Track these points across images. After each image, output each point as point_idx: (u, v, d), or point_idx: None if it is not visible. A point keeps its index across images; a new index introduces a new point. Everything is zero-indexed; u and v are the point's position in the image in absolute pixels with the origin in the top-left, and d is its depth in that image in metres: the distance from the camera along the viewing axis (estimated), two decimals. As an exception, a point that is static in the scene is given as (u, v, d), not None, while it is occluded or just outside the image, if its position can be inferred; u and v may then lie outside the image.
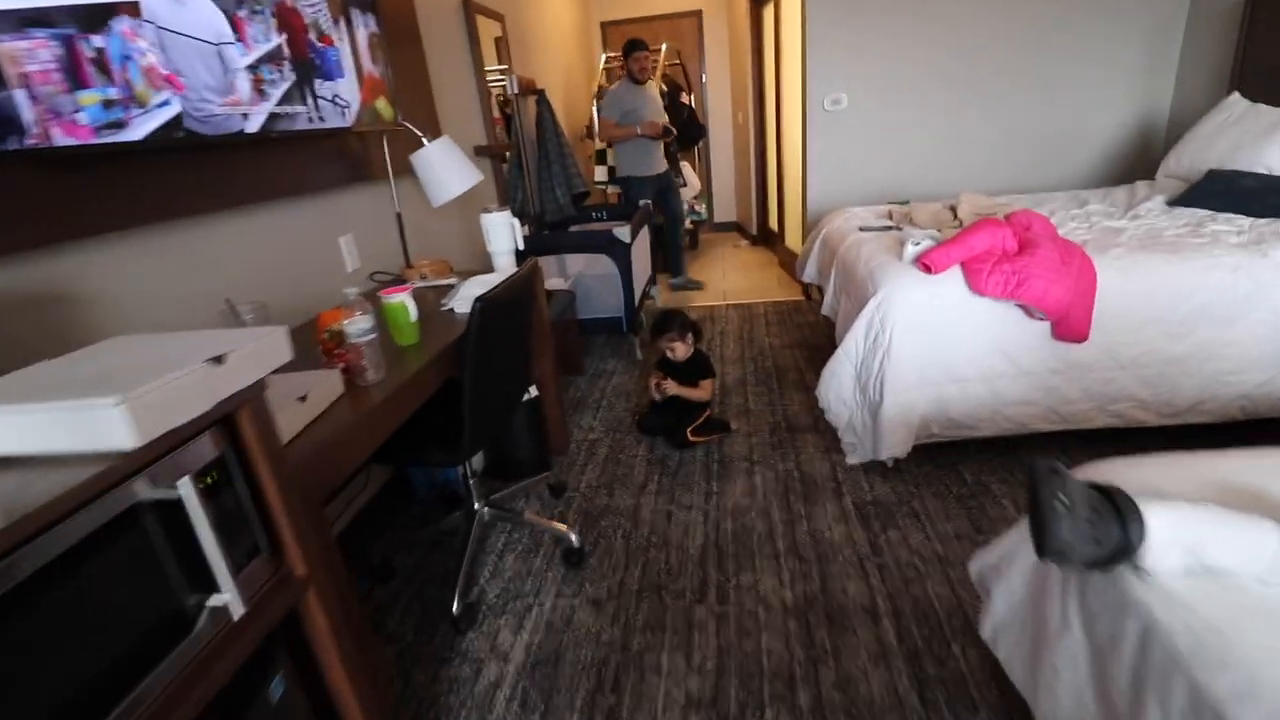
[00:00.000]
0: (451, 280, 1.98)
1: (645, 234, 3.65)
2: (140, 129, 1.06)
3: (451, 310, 1.69)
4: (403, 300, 1.38)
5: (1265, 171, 2.24)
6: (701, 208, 5.41)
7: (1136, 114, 3.28)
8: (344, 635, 0.98)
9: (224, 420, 0.78)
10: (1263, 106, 2.47)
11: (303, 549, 0.89)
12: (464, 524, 1.82)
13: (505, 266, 1.98)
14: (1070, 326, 1.82)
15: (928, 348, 1.91)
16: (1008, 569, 1.01)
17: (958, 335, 1.90)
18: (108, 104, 1.00)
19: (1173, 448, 2.01)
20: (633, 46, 3.87)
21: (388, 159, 1.99)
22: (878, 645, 1.44)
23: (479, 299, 1.29)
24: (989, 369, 1.93)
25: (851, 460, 2.11)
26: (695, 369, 2.36)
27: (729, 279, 4.57)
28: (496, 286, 1.37)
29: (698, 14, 5.65)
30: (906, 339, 1.91)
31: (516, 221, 1.96)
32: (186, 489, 0.70)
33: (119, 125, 1.02)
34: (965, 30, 3.20)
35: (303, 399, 1.06)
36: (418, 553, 1.89)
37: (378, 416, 1.18)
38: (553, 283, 3.30)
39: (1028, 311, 1.84)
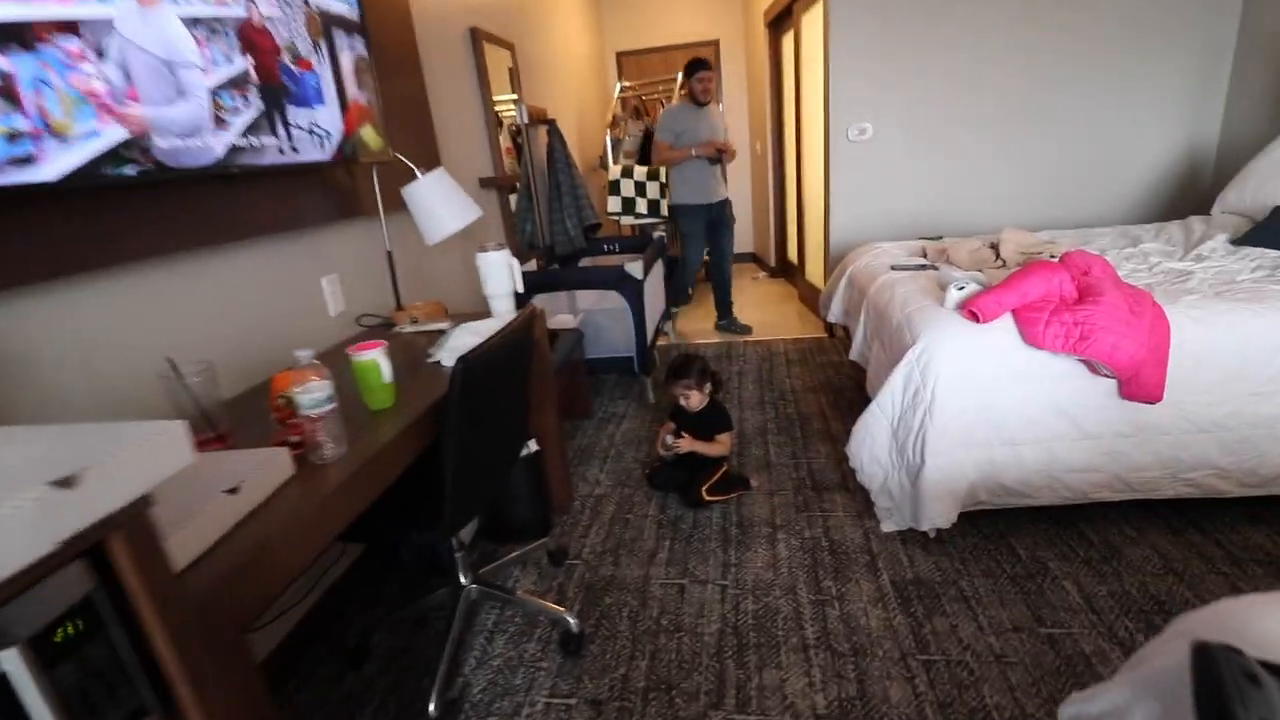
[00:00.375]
0: (444, 325, 1.80)
1: (659, 268, 3.48)
2: (56, 165, 0.90)
3: (438, 363, 1.51)
4: (374, 358, 1.20)
5: (1347, 208, 2.02)
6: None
7: (1183, 143, 3.07)
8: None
9: (93, 549, 0.59)
10: (1336, 137, 2.25)
11: (206, 702, 0.69)
12: (449, 601, 1.61)
13: (503, 311, 1.80)
14: (1141, 385, 1.59)
15: (975, 405, 1.69)
16: (1119, 728, 0.78)
17: (1010, 392, 1.68)
18: (12, 137, 0.84)
19: (1252, 520, 1.78)
20: (695, 66, 3.60)
21: (377, 193, 1.84)
22: (930, 773, 1.20)
23: (461, 359, 1.10)
24: (1046, 431, 1.70)
25: (887, 527, 1.88)
26: (711, 420, 2.15)
27: (746, 313, 4.37)
28: (483, 344, 1.18)
29: (715, 43, 5.55)
30: (951, 395, 1.69)
31: (515, 262, 1.79)
32: (13, 663, 0.51)
33: (26, 161, 0.86)
34: (996, 56, 3.03)
35: (233, 491, 0.87)
36: (399, 631, 1.68)
37: (335, 503, 0.99)
38: (560, 319, 3.12)
39: (1092, 367, 1.62)
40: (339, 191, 1.83)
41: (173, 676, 0.66)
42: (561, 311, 3.38)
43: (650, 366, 3.03)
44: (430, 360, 1.53)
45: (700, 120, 3.68)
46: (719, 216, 3.84)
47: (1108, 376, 1.62)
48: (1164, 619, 1.48)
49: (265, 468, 0.95)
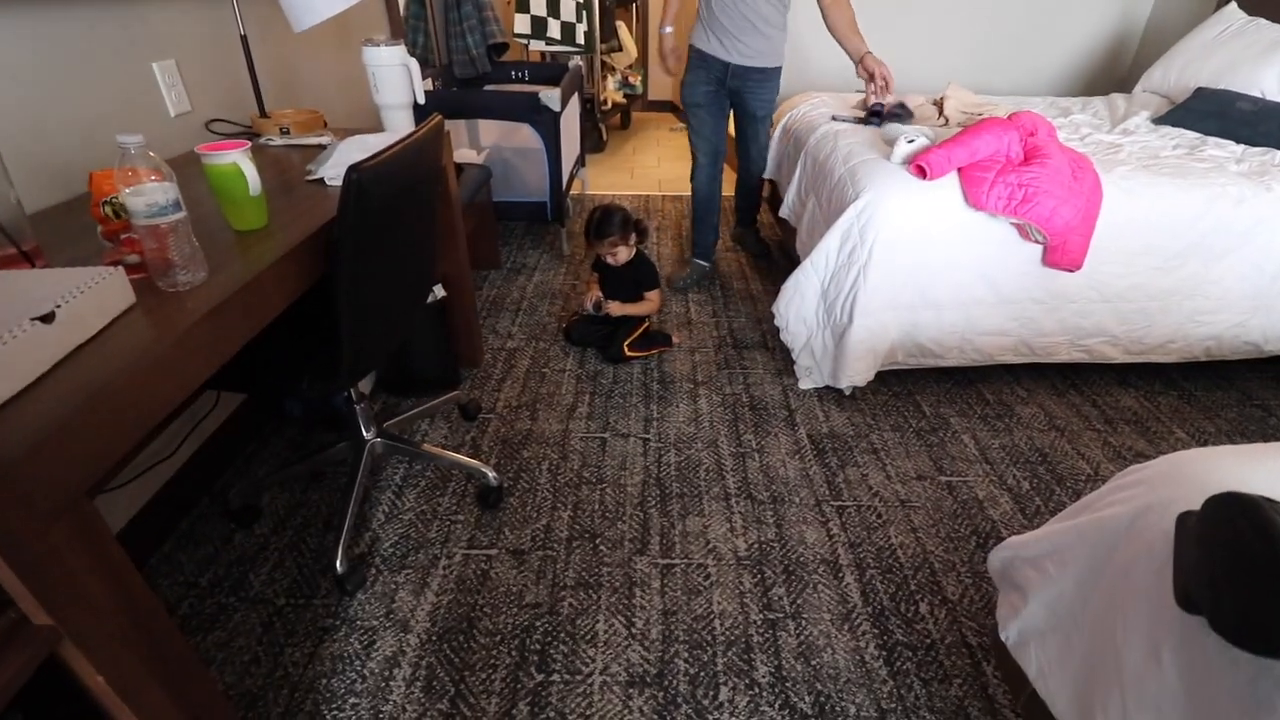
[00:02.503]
0: (324, 139, 1.47)
1: (576, 102, 3.10)
2: None
3: (321, 181, 1.22)
4: (234, 161, 0.92)
5: (1260, 95, 2.07)
6: (637, 80, 4.79)
7: (1114, 19, 3.03)
8: (146, 686, 0.65)
9: None
10: (1263, 21, 2.27)
11: (39, 586, 0.53)
12: (351, 455, 1.46)
13: (400, 125, 1.49)
14: (1066, 253, 1.62)
15: (909, 266, 1.67)
16: (1057, 569, 0.81)
17: (943, 254, 1.66)
18: None
19: (1123, 384, 1.97)
20: None
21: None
22: (841, 605, 1.28)
23: (353, 168, 0.87)
24: (969, 295, 1.72)
25: (805, 385, 1.90)
26: (638, 276, 2.01)
27: (664, 166, 4.12)
28: (382, 151, 0.94)
29: None
30: (888, 255, 1.65)
31: (414, 64, 1.46)
32: None
33: None
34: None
35: (47, 319, 0.64)
36: (292, 490, 1.52)
37: (195, 340, 0.77)
38: (462, 154, 2.75)
39: (1024, 231, 1.62)
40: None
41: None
42: (462, 145, 2.98)
43: (564, 215, 2.79)
44: (310, 178, 1.24)
45: None
46: (744, 91, 2.17)
47: (1037, 242, 1.63)
48: (1047, 469, 1.62)
49: (93, 292, 0.71)
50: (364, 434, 1.45)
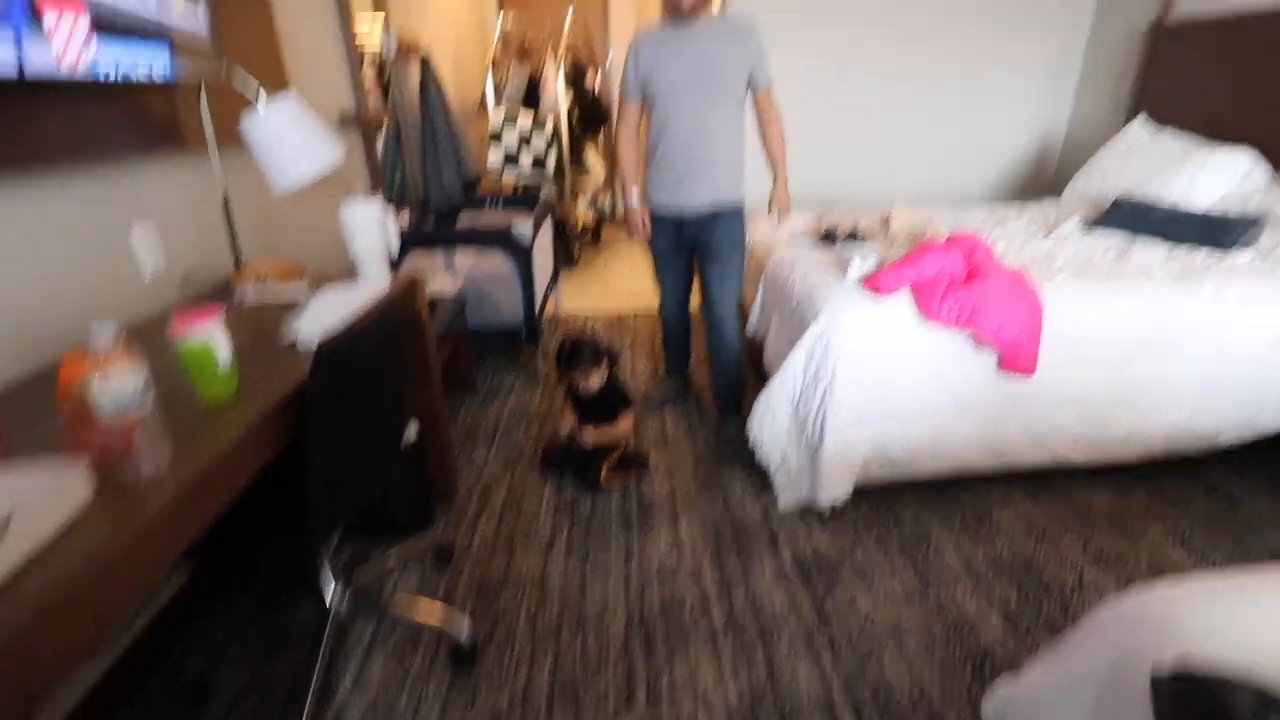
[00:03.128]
0: (300, 291, 1.51)
1: (548, 228, 3.26)
2: None
3: (294, 343, 1.24)
4: (206, 339, 0.94)
5: (1173, 204, 2.26)
6: (606, 199, 5.06)
7: (1037, 130, 3.34)
8: None
9: None
10: (1166, 136, 2.52)
11: None
12: (315, 620, 1.39)
13: (375, 275, 1.54)
14: (1018, 360, 1.68)
15: (873, 381, 1.72)
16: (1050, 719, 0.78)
17: (904, 367, 1.72)
18: None
19: (1093, 482, 1.99)
20: None
21: (207, 121, 1.48)
22: (840, 754, 1.21)
23: (322, 345, 0.89)
24: (932, 405, 1.76)
25: (784, 503, 1.89)
26: (611, 400, 2.03)
27: (636, 279, 4.27)
28: (349, 326, 0.96)
29: (603, -9, 5.25)
30: (851, 371, 1.70)
31: (391, 215, 1.53)
32: None
33: None
34: (879, 37, 3.08)
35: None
36: (254, 657, 1.43)
37: (154, 535, 0.75)
38: (439, 282, 2.83)
39: (976, 340, 1.69)
40: (154, 117, 1.46)
41: None
42: (439, 273, 3.08)
43: (539, 336, 2.85)
44: (285, 341, 1.26)
45: (681, 51, 1.88)
46: (702, 236, 2.05)
47: (990, 351, 1.69)
48: (1032, 579, 1.60)
49: (48, 492, 0.70)
50: (329, 597, 1.38)
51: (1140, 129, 2.64)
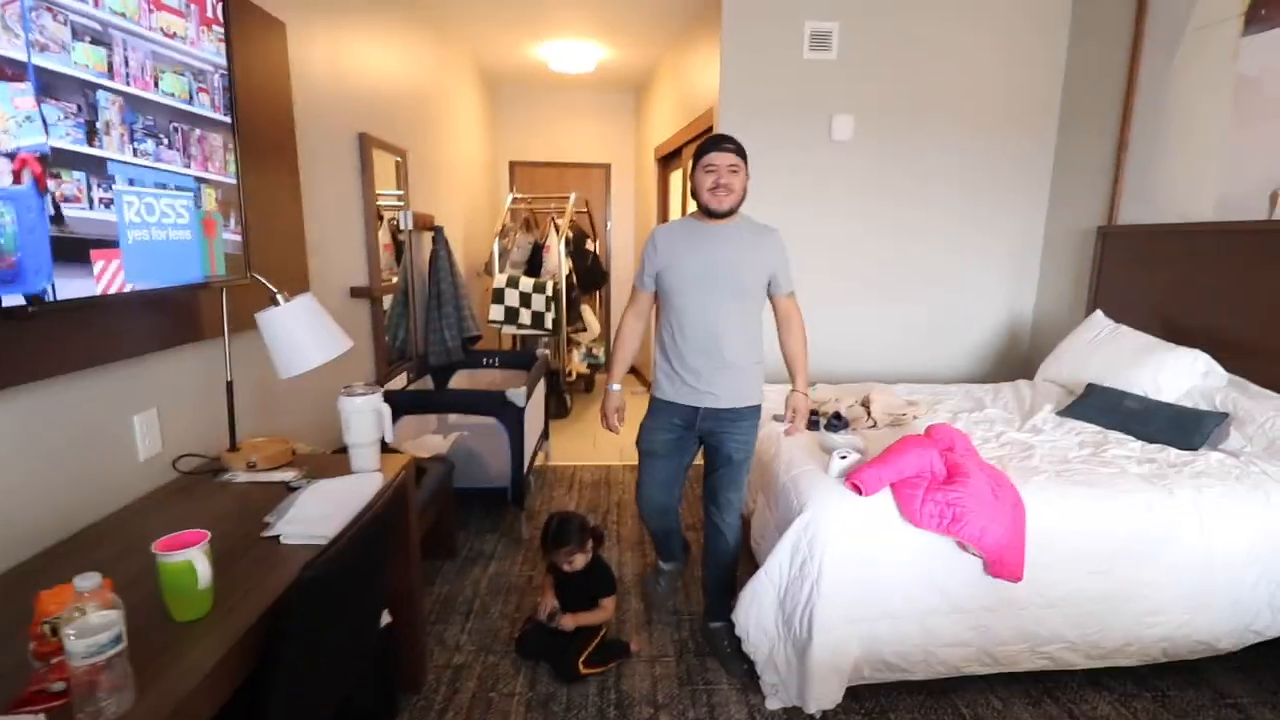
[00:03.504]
0: (289, 476, 1.54)
1: (541, 387, 3.35)
2: None
3: (277, 538, 1.25)
4: (189, 560, 0.95)
5: (1142, 394, 2.37)
6: (600, 352, 5.25)
7: (1006, 314, 3.56)
8: None
9: None
10: (1125, 329, 2.69)
11: None
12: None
13: (366, 462, 1.58)
14: (1005, 566, 1.68)
15: (861, 578, 1.70)
16: None
17: (892, 565, 1.71)
18: None
19: (1095, 686, 1.90)
20: (710, 145, 1.86)
21: (225, 319, 1.58)
22: None
23: (302, 576, 0.89)
24: (923, 605, 1.73)
25: (772, 705, 1.79)
26: (594, 581, 1.99)
27: (627, 433, 4.31)
28: (334, 543, 0.97)
29: (607, 167, 5.82)
30: (838, 568, 1.68)
31: (386, 409, 1.59)
32: None
33: None
34: (860, 217, 3.37)
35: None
36: None
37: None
38: (429, 442, 2.87)
39: (962, 544, 1.69)
40: (175, 316, 1.56)
41: None
42: (430, 430, 3.13)
43: (525, 495, 2.83)
44: (267, 535, 1.26)
45: (702, 248, 1.88)
46: (718, 434, 1.95)
47: (975, 555, 1.70)
48: (1039, 815, 1.48)
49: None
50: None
51: (1102, 320, 2.82)
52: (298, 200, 2.11)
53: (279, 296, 1.56)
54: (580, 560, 1.95)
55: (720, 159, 1.82)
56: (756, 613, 1.81)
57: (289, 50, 2.03)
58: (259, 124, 1.84)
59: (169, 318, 1.55)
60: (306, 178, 2.16)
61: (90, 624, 0.76)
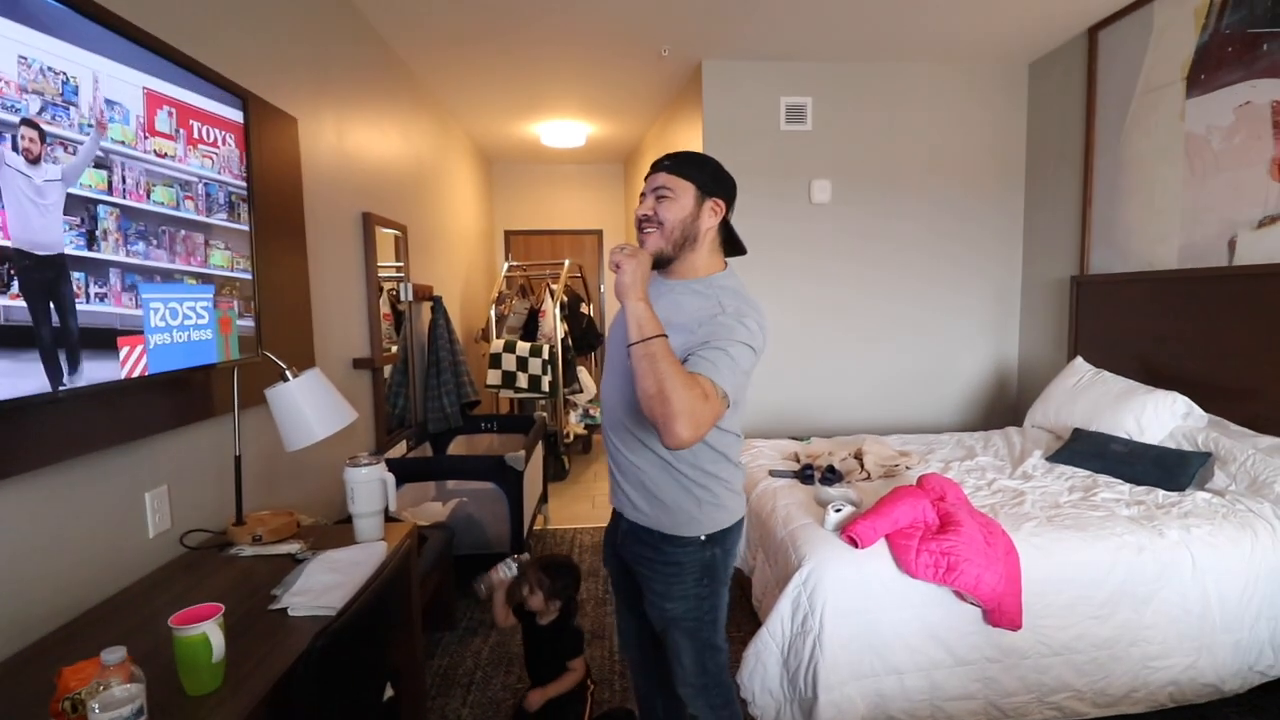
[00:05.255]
0: (294, 548, 1.56)
1: (539, 450, 3.39)
2: None
3: (284, 610, 1.27)
4: (204, 633, 0.98)
5: (1126, 436, 2.43)
6: (596, 412, 5.30)
7: (992, 361, 3.65)
8: None
9: None
10: (1106, 374, 2.77)
11: None
12: None
13: (370, 533, 1.61)
14: (1004, 614, 1.70)
15: (862, 632, 1.71)
16: None
17: (893, 618, 1.72)
18: None
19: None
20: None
21: (235, 396, 1.65)
22: None
23: (318, 640, 0.92)
24: (926, 659, 1.73)
25: (782, 770, 1.76)
26: (561, 641, 1.90)
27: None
28: (344, 611, 1.01)
29: (599, 233, 6.03)
30: (839, 622, 1.70)
31: (390, 478, 1.64)
32: None
33: None
34: (845, 275, 3.51)
35: None
36: None
37: None
38: (428, 509, 2.89)
39: (960, 594, 1.71)
40: (188, 396, 1.62)
41: None
42: (429, 497, 3.14)
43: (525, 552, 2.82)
44: (274, 607, 1.29)
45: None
46: (632, 560, 1.43)
47: (973, 605, 1.71)
48: None
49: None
50: None
51: (1083, 365, 2.91)
52: (305, 279, 2.21)
53: (288, 372, 1.63)
54: (536, 603, 1.87)
55: (649, 183, 1.28)
56: (761, 673, 1.80)
57: (300, 141, 2.17)
58: (274, 213, 1.96)
59: (182, 397, 1.61)
60: (313, 256, 2.27)
61: (114, 697, 0.79)
